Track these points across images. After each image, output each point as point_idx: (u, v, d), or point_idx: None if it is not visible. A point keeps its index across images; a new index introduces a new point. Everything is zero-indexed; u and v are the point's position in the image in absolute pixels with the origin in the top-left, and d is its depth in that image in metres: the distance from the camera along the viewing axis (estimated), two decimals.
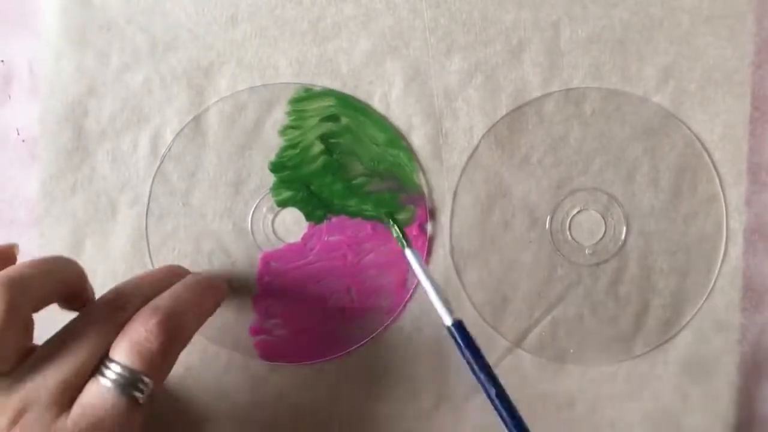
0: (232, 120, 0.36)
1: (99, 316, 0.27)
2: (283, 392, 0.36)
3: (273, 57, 0.35)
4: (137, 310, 0.28)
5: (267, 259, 0.36)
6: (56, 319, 0.27)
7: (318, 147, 0.35)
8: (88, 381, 0.26)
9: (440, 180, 0.35)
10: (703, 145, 0.35)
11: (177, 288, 0.30)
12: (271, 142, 0.35)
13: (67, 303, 0.29)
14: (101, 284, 0.36)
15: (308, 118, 0.35)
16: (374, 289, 0.35)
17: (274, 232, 0.36)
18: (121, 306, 0.28)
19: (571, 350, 0.35)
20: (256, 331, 0.35)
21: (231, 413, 0.36)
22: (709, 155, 0.35)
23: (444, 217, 0.35)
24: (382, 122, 0.35)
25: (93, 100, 0.36)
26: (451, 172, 0.35)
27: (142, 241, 0.36)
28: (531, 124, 0.35)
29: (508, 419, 0.30)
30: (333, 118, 0.35)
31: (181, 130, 0.35)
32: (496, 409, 0.30)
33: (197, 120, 0.36)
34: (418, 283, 0.35)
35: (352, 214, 0.35)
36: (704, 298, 0.35)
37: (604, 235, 0.35)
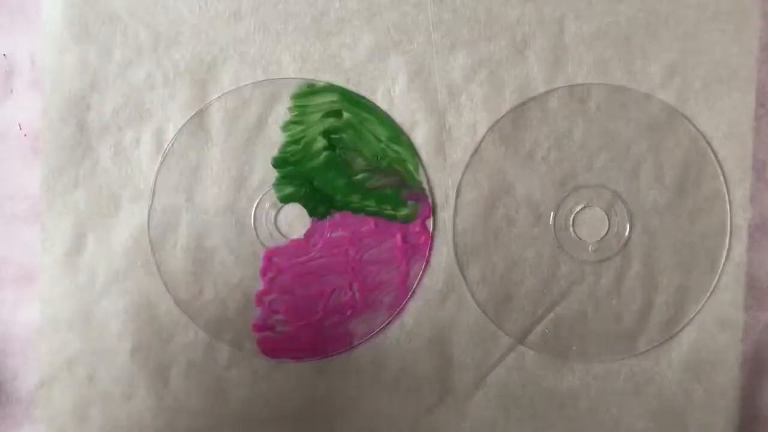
0: (235, 115, 0.35)
1: None
2: (285, 389, 0.36)
3: (276, 52, 0.35)
4: None
5: (270, 255, 0.35)
6: None
7: (321, 142, 0.35)
8: None
9: (443, 176, 0.35)
10: (707, 141, 0.35)
11: None
12: (274, 138, 0.35)
13: None
14: (103, 279, 0.36)
15: (311, 114, 0.35)
16: (376, 285, 0.35)
17: (276, 228, 0.36)
18: None
19: (575, 347, 0.35)
20: (259, 328, 0.35)
21: (233, 410, 0.36)
22: (714, 152, 0.35)
23: (447, 214, 0.35)
24: (385, 118, 0.35)
25: (95, 95, 0.35)
26: (454, 168, 0.35)
27: (144, 236, 0.36)
28: (535, 121, 0.35)
29: None
30: (336, 113, 0.35)
31: (184, 125, 0.35)
32: None
33: (200, 115, 0.35)
34: (421, 279, 0.35)
35: (355, 210, 0.35)
36: (708, 296, 0.35)
37: (607, 232, 0.35)
